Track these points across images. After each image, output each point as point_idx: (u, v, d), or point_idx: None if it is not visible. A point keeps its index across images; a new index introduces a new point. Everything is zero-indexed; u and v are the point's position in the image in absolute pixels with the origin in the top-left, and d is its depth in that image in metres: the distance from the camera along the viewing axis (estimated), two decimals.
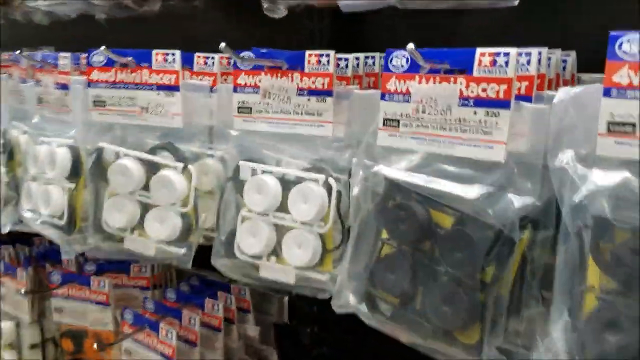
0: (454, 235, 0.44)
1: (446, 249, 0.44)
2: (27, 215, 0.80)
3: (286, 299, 0.90)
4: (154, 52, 0.65)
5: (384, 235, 0.50)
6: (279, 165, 0.62)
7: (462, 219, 0.43)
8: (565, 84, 0.51)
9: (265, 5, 0.74)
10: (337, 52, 0.88)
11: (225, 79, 0.73)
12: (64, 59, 0.77)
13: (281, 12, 0.73)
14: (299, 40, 0.87)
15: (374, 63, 0.63)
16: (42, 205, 0.77)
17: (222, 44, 0.55)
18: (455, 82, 0.43)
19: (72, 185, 0.75)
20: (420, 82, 0.45)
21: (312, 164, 0.60)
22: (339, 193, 0.57)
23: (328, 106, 0.57)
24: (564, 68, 0.54)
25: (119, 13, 0.89)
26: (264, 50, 0.61)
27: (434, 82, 0.44)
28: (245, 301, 0.88)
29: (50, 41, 1.30)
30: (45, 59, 0.84)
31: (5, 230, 0.87)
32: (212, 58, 0.70)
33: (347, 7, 0.57)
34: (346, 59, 0.58)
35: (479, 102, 0.42)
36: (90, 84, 0.69)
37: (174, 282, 1.03)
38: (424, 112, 0.45)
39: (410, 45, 0.41)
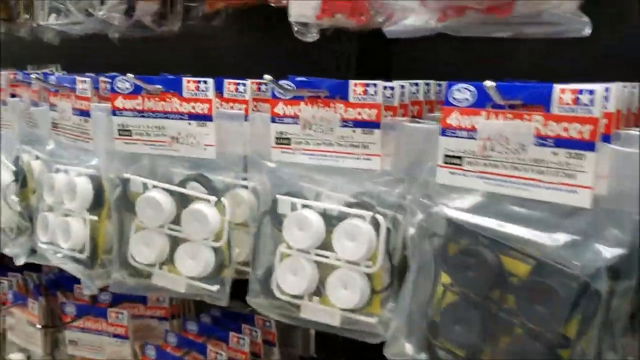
0: (532, 285, 0.40)
1: (523, 300, 0.41)
2: (45, 247, 0.76)
3: (312, 330, 0.86)
4: (185, 79, 0.62)
5: (445, 280, 0.47)
6: (318, 199, 0.59)
7: (540, 268, 0.40)
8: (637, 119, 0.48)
9: (296, 28, 0.71)
10: (363, 75, 0.86)
11: (256, 105, 0.70)
12: (84, 83, 0.73)
13: (313, 37, 0.70)
14: (324, 61, 0.84)
15: (417, 91, 0.60)
16: (62, 237, 0.73)
17: (267, 76, 0.52)
18: (530, 120, 0.40)
19: (95, 217, 0.71)
20: (488, 118, 0.42)
21: (355, 197, 0.57)
22: (387, 231, 0.54)
23: (375, 138, 0.54)
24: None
25: (137, 33, 0.86)
26: (303, 79, 0.58)
27: (505, 119, 0.41)
28: (270, 333, 0.85)
29: (56, 59, 1.27)
30: (60, 83, 0.81)
31: (20, 262, 0.83)
32: (244, 84, 0.67)
33: (392, 34, 0.54)
34: (392, 88, 0.55)
35: (560, 142, 0.39)
36: (114, 111, 0.66)
37: (192, 311, 1.00)
38: (492, 150, 0.42)
39: (490, 83, 0.39)
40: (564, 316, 0.39)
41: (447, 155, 0.45)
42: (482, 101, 0.43)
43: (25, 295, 1.04)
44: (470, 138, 0.43)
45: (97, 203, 0.72)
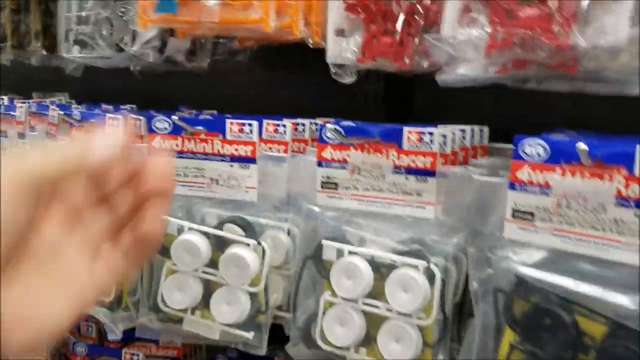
0: (610, 346, 0.40)
1: None
2: None
3: None
4: (228, 121, 0.61)
5: (510, 337, 0.46)
6: (362, 244, 0.58)
7: (617, 329, 0.40)
8: None
9: (333, 70, 0.71)
10: (390, 115, 0.86)
11: (304, 149, 0.69)
12: (115, 120, 0.72)
13: (351, 79, 0.70)
14: (351, 98, 0.84)
15: (464, 137, 0.60)
16: None
17: (329, 125, 0.52)
18: (610, 180, 0.40)
19: None
20: (564, 175, 0.42)
21: (402, 244, 0.56)
22: (442, 282, 0.53)
23: (430, 187, 0.53)
24: None
25: (167, 67, 0.85)
26: (351, 124, 0.58)
27: (582, 177, 0.41)
28: None
29: (63, 87, 1.25)
30: (85, 118, 0.79)
31: None
32: (284, 125, 0.66)
33: (446, 83, 0.54)
34: (444, 135, 0.54)
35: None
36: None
37: (203, 351, 0.97)
38: (568, 207, 0.42)
39: (583, 146, 0.38)
40: None
41: (516, 210, 0.45)
42: (556, 157, 0.43)
43: None
44: (543, 194, 0.43)
45: None
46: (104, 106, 0.98)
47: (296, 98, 0.93)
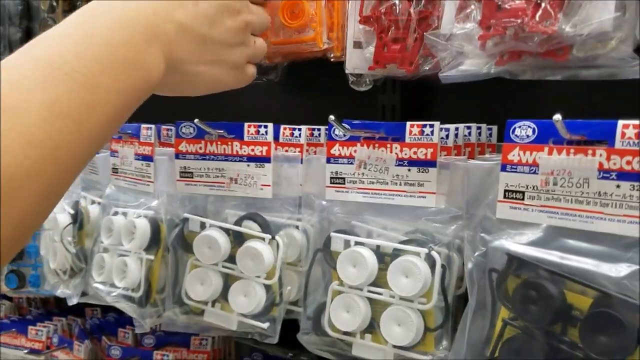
0: (596, 316, 0.40)
1: (586, 332, 0.41)
2: (99, 287, 0.79)
3: None
4: (246, 124, 0.66)
5: (505, 314, 0.47)
6: (370, 237, 0.60)
7: (603, 299, 0.40)
8: None
9: (351, 79, 0.75)
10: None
11: (307, 151, 0.73)
12: (148, 130, 0.78)
13: (367, 86, 0.74)
14: (370, 111, 0.88)
15: (470, 133, 0.62)
16: (117, 277, 0.75)
17: (331, 117, 0.55)
18: (593, 155, 0.41)
19: (151, 257, 0.73)
20: (550, 154, 0.44)
21: (408, 235, 0.58)
22: (443, 267, 0.54)
23: (431, 177, 0.56)
24: None
25: None
26: (359, 122, 0.61)
27: (568, 154, 0.43)
28: None
29: None
30: (124, 130, 0.86)
31: (73, 302, 0.86)
32: (299, 129, 0.70)
33: (448, 79, 0.57)
34: (447, 130, 0.57)
35: (622, 176, 0.40)
36: (178, 155, 0.70)
37: (232, 356, 1.00)
38: (555, 184, 0.44)
39: (557, 117, 0.40)
40: (629, 346, 0.38)
41: (507, 191, 0.46)
42: (543, 137, 0.45)
43: (70, 339, 1.06)
44: (532, 173, 0.45)
45: (153, 243, 0.74)
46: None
47: (316, 112, 0.98)
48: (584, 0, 0.47)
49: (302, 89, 1.00)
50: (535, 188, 0.45)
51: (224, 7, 0.51)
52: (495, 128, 0.68)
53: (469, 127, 0.62)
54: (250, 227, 0.67)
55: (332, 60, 0.77)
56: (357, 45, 0.75)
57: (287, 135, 0.71)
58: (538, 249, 0.44)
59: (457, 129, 0.58)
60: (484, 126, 0.66)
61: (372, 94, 0.83)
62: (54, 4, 1.13)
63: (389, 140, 0.59)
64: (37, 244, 1.04)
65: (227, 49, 0.53)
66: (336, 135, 0.61)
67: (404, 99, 0.88)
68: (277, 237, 0.65)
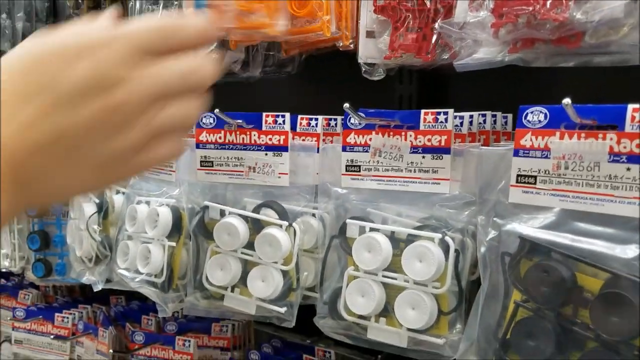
0: (607, 297, 0.41)
1: (597, 312, 0.41)
2: (124, 273, 0.81)
3: None
4: (264, 114, 0.68)
5: (517, 297, 0.47)
6: (385, 224, 0.61)
7: (614, 280, 0.41)
8: None
9: (363, 68, 0.76)
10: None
11: (324, 140, 0.74)
12: None
13: (380, 75, 0.75)
14: (387, 102, 0.88)
15: (484, 121, 0.63)
16: (141, 263, 0.78)
17: (345, 105, 0.57)
18: (604, 138, 0.42)
19: (173, 244, 0.76)
20: (562, 138, 0.44)
21: (422, 222, 0.59)
22: (457, 252, 0.55)
23: (445, 163, 0.57)
24: None
25: (221, 80, 0.93)
26: (374, 110, 0.62)
27: (579, 139, 0.43)
28: None
29: None
30: None
31: (98, 288, 0.89)
32: (316, 119, 0.71)
33: (463, 68, 0.58)
34: (461, 117, 0.58)
35: (633, 159, 0.41)
36: (198, 145, 0.72)
37: (252, 342, 1.02)
38: (566, 168, 0.44)
39: (567, 100, 0.41)
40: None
41: (519, 175, 0.47)
42: (555, 122, 0.45)
43: (95, 326, 1.09)
44: (544, 157, 0.46)
45: (175, 231, 0.77)
46: None
47: (333, 103, 0.99)
48: None
49: (320, 81, 1.01)
50: (547, 172, 0.45)
51: (81, 90, 0.34)
52: (510, 116, 0.69)
53: (483, 115, 0.63)
54: (268, 215, 0.68)
55: (340, 49, 0.78)
56: (370, 34, 0.76)
57: (304, 125, 0.72)
58: (550, 232, 0.45)
59: (471, 116, 0.59)
60: (499, 114, 0.66)
61: (388, 85, 0.84)
62: (80, 1, 1.16)
63: (403, 129, 0.60)
64: (64, 233, 1.07)
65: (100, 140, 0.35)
66: (352, 123, 0.63)
67: (420, 89, 0.89)
68: (294, 224, 0.67)
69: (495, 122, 0.65)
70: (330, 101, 1.03)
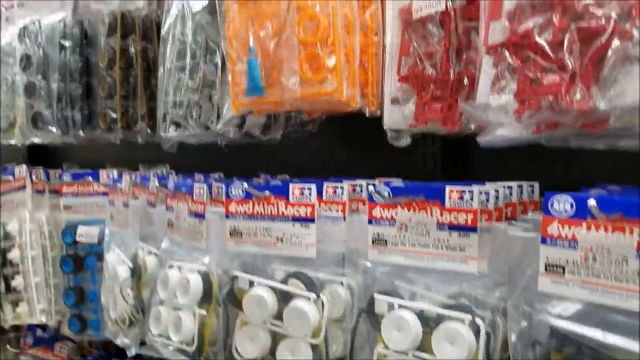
0: None
1: None
2: (157, 340, 0.82)
3: None
4: (291, 185, 0.69)
5: None
6: (413, 298, 0.61)
7: None
8: None
9: (389, 134, 0.77)
10: (447, 175, 0.90)
11: (357, 208, 0.75)
12: (201, 189, 0.82)
13: (405, 142, 0.76)
14: (410, 161, 0.89)
15: (510, 194, 0.63)
16: (173, 330, 0.79)
17: (371, 188, 0.57)
18: (631, 233, 0.42)
19: (204, 312, 0.77)
20: (589, 230, 0.44)
21: (451, 298, 0.59)
22: (487, 335, 0.55)
23: (472, 242, 0.56)
24: None
25: (243, 140, 0.95)
26: (399, 185, 0.63)
27: (606, 231, 0.43)
28: None
29: (166, 159, 1.39)
30: (178, 188, 0.91)
31: (132, 353, 0.90)
32: (342, 188, 0.72)
33: (487, 143, 0.58)
34: (487, 192, 0.58)
35: None
36: (228, 215, 0.73)
37: None
38: (594, 260, 0.44)
39: (593, 202, 0.41)
40: None
41: (548, 264, 0.47)
42: (581, 212, 0.45)
43: None
44: (572, 248, 0.45)
45: (205, 298, 0.78)
46: (196, 176, 1.11)
47: (358, 162, 1.00)
48: (617, 75, 0.48)
49: (343, 138, 1.03)
50: (575, 264, 0.45)
51: None
52: (536, 185, 0.68)
53: (509, 188, 0.62)
54: (295, 285, 0.69)
55: (367, 115, 0.79)
56: (395, 101, 0.77)
57: (330, 193, 0.73)
58: (580, 325, 0.44)
59: (497, 191, 0.59)
60: (525, 184, 0.66)
61: (413, 144, 0.84)
62: (112, 61, 1.20)
63: (428, 203, 0.60)
64: (98, 288, 1.10)
65: None
66: (378, 199, 0.63)
67: (444, 147, 0.89)
68: (322, 296, 0.67)
69: (522, 192, 0.65)
70: (355, 158, 1.05)
